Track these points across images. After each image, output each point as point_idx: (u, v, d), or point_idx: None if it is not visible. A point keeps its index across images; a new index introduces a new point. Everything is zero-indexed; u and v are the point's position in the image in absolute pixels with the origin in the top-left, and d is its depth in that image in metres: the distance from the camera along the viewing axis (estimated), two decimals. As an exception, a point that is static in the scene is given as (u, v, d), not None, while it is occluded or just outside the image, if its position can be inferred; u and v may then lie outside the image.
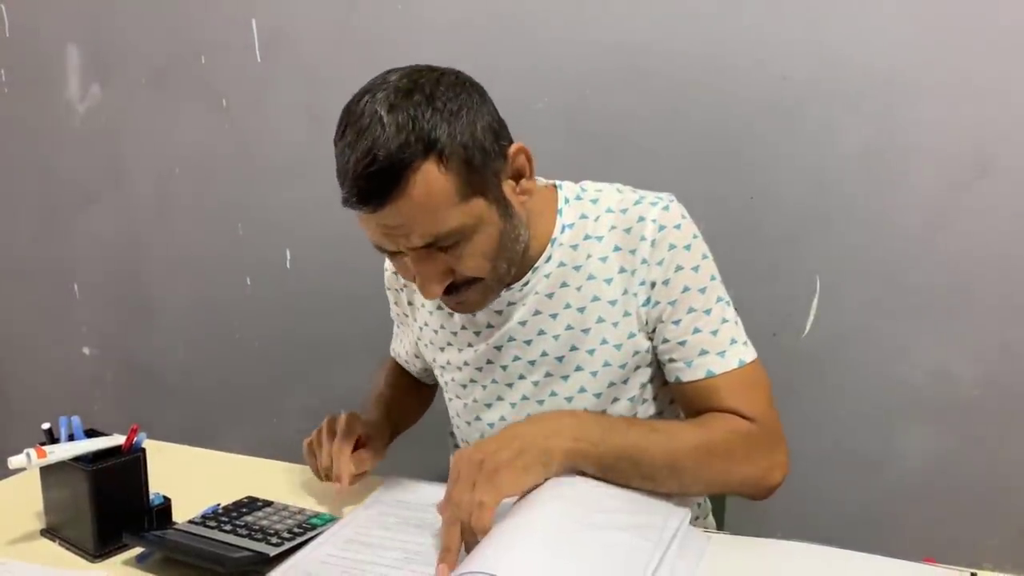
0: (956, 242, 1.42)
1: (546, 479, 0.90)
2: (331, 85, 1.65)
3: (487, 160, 0.92)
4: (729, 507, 1.33)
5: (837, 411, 1.53)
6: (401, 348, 1.33)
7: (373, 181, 0.87)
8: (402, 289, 1.22)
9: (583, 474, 0.93)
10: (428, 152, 0.87)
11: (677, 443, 0.94)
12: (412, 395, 1.35)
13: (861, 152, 1.45)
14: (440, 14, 1.68)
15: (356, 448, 1.10)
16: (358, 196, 0.88)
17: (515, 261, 1.01)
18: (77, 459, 0.98)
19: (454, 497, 0.87)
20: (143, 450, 1.03)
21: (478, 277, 0.97)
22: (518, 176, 0.97)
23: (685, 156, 1.54)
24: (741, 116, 1.50)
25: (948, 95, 1.39)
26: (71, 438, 1.03)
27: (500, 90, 1.03)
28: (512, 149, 0.95)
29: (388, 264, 1.22)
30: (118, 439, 1.03)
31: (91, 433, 1.05)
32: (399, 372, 1.36)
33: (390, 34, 1.74)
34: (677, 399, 1.08)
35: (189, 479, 1.18)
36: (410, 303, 1.21)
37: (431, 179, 0.87)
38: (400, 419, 1.28)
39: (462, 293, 0.99)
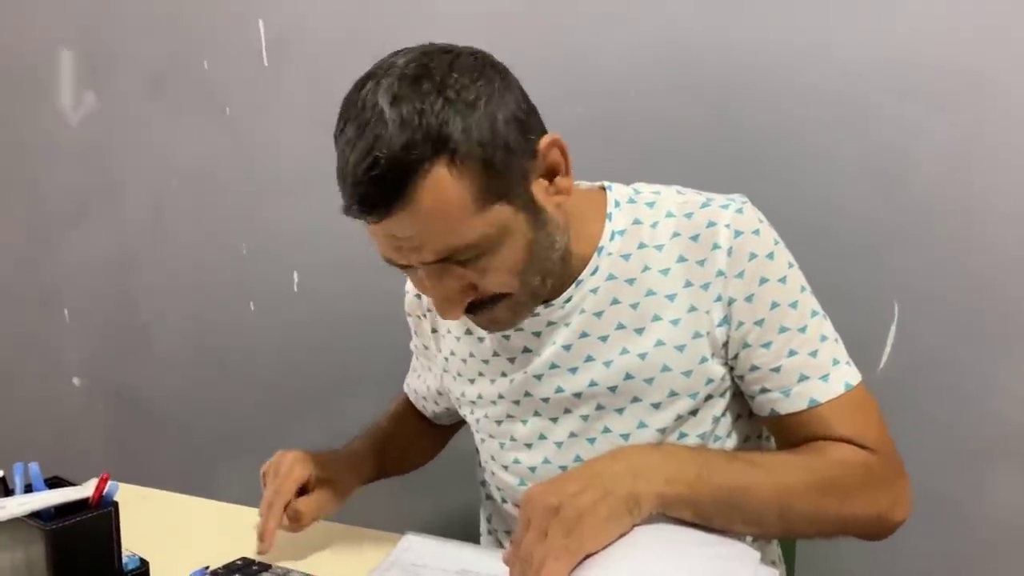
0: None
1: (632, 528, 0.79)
2: (343, 91, 1.62)
3: (511, 158, 0.82)
4: (799, 561, 1.23)
5: (919, 452, 1.37)
6: (418, 384, 1.21)
7: (374, 187, 0.78)
8: (424, 315, 1.10)
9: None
10: (438, 152, 0.78)
11: (787, 480, 0.85)
12: (417, 437, 1.24)
13: (945, 157, 1.32)
14: (462, 11, 1.59)
15: (303, 493, 1.03)
16: (358, 203, 0.80)
17: (552, 272, 0.90)
18: (35, 515, 0.86)
19: (524, 548, 0.77)
20: (115, 504, 0.90)
21: (506, 293, 0.87)
22: (552, 174, 0.86)
23: (739, 163, 1.43)
24: (803, 117, 1.38)
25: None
26: (28, 489, 0.91)
27: (530, 95, 0.91)
28: (543, 142, 0.84)
29: (409, 286, 1.12)
30: (85, 490, 0.90)
31: (54, 483, 0.92)
32: (408, 410, 1.25)
33: (407, 34, 1.60)
34: (774, 434, 0.97)
35: (174, 535, 1.08)
36: (434, 330, 1.09)
37: (443, 185, 0.78)
38: (397, 460, 1.19)
39: (488, 311, 0.89)
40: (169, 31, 1.87)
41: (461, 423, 1.24)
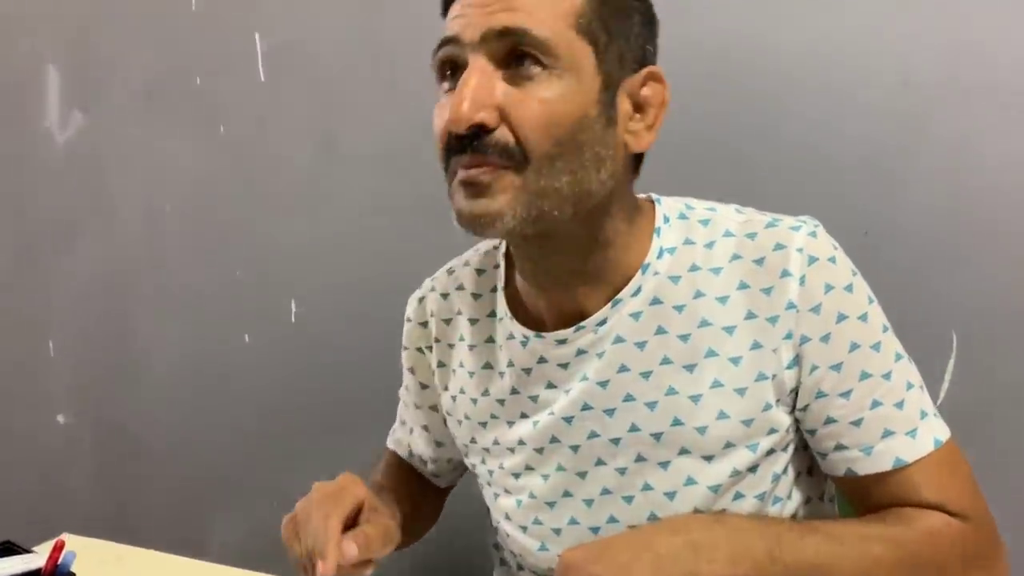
0: None
1: None
2: (346, 108, 1.57)
3: (625, 28, 0.80)
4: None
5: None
6: (412, 438, 1.06)
7: None
8: (431, 347, 0.97)
9: None
10: None
11: (871, 557, 0.76)
12: (420, 497, 1.08)
13: (1008, 171, 1.22)
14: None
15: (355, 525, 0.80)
16: None
17: (581, 184, 0.76)
18: (-21, 589, 0.76)
19: None
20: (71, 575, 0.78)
21: (518, 150, 0.74)
22: (639, 106, 0.79)
23: (782, 180, 1.33)
24: (852, 130, 1.29)
25: None
26: (-27, 558, 0.80)
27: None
28: (645, 71, 0.81)
29: (411, 312, 1.00)
30: (37, 559, 0.79)
31: (5, 549, 0.81)
32: (403, 468, 1.09)
33: (417, 46, 1.54)
34: (849, 497, 0.85)
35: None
36: (441, 364, 0.96)
37: None
38: (405, 523, 0.97)
39: (488, 172, 0.74)
40: (159, 45, 1.82)
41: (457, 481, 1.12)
